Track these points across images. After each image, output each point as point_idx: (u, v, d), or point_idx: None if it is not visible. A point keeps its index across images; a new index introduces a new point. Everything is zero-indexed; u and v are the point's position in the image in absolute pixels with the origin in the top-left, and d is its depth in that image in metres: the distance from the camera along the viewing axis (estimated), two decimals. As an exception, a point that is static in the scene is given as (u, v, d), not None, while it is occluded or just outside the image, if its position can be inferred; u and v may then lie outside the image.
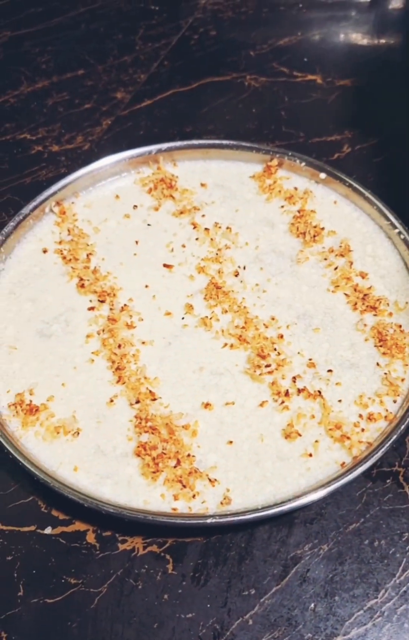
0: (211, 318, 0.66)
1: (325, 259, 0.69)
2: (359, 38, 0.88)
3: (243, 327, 0.65)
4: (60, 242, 0.71)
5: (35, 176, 0.79)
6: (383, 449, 0.57)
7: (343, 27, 0.89)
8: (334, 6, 0.91)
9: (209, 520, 0.55)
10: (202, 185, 0.74)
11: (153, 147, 0.74)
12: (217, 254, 0.70)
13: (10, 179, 0.79)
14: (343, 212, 0.72)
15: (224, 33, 0.90)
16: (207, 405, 0.61)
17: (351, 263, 0.68)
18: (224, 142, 0.75)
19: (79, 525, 0.59)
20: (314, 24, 0.90)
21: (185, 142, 0.75)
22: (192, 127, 0.82)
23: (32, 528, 0.59)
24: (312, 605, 0.55)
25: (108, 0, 0.96)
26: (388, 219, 0.69)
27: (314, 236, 0.70)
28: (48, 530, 0.58)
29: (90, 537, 0.58)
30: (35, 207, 0.70)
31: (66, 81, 0.88)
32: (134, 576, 0.56)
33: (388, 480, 0.60)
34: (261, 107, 0.83)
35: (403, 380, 0.62)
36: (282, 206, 0.73)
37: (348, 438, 0.59)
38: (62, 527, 0.59)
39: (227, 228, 0.71)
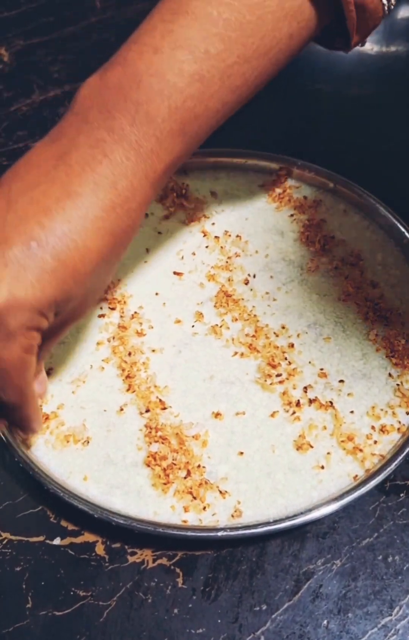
0: (221, 326, 0.61)
1: (335, 268, 0.64)
2: (367, 47, 0.83)
3: (253, 336, 0.60)
4: (71, 250, 0.66)
5: (46, 183, 0.74)
6: (396, 462, 0.52)
7: (351, 37, 0.84)
8: (342, 17, 0.85)
9: (220, 533, 0.50)
10: (213, 194, 0.69)
11: (164, 156, 0.69)
12: (227, 262, 0.65)
13: (22, 186, 0.74)
14: (352, 220, 0.67)
15: (233, 43, 0.85)
16: (217, 414, 0.56)
17: (362, 272, 0.63)
18: (234, 151, 0.70)
19: (88, 537, 0.54)
20: (321, 35, 0.85)
21: (195, 152, 0.70)
22: (201, 136, 0.77)
23: (41, 538, 0.54)
24: (325, 622, 0.50)
25: (119, 11, 0.90)
26: (397, 227, 0.64)
27: (324, 245, 0.65)
28: (57, 541, 0.54)
29: (100, 549, 0.53)
30: (46, 215, 0.65)
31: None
32: (143, 589, 0.51)
33: (401, 494, 0.55)
34: (270, 117, 0.78)
35: (414, 390, 0.57)
36: (292, 215, 0.67)
37: (361, 450, 0.54)
38: (71, 538, 0.54)
39: (237, 236, 0.66)
